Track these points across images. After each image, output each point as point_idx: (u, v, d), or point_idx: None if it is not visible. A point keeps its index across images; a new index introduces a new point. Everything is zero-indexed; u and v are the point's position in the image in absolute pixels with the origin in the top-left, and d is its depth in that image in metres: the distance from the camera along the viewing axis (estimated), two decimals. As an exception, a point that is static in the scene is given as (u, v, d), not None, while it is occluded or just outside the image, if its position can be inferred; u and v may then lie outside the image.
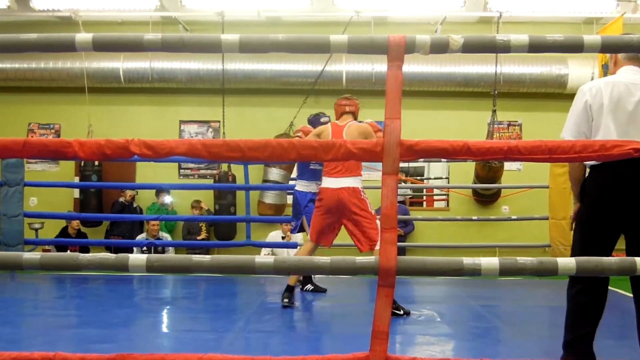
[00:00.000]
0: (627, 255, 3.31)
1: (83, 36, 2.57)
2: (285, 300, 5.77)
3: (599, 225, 3.42)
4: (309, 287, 6.70)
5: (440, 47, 2.56)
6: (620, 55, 3.58)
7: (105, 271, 7.14)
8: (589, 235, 3.45)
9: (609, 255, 3.37)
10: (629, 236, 3.45)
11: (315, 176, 6.45)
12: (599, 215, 3.42)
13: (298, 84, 10.50)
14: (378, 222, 5.28)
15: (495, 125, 10.14)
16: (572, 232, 3.60)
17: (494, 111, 9.88)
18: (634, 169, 3.30)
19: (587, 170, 3.56)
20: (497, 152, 2.60)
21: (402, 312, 5.33)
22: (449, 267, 2.55)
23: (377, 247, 5.22)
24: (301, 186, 6.55)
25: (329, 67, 10.23)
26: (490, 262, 2.52)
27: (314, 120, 6.77)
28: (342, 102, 5.84)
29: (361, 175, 5.57)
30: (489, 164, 9.72)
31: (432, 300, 6.30)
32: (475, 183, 10.29)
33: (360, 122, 5.74)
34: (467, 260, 2.53)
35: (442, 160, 9.90)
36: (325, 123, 6.35)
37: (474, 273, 2.53)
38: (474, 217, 9.81)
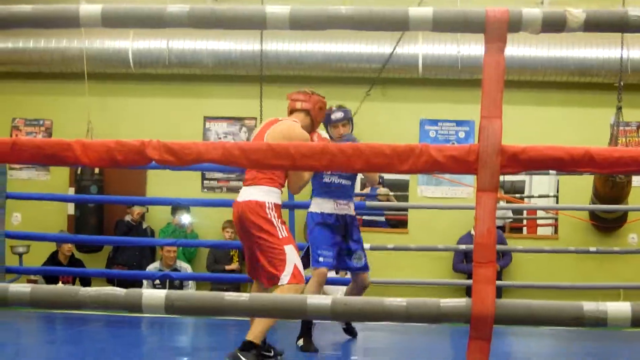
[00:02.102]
0: None
1: (89, 8, 2.61)
2: None
3: None
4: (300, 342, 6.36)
5: (554, 25, 2.54)
6: None
7: (109, 311, 7.22)
8: None
9: None
10: None
11: (330, 192, 6.37)
12: None
13: (359, 71, 10.52)
14: (289, 248, 5.18)
15: (621, 127, 9.98)
16: None
17: (619, 108, 9.72)
18: None
19: None
20: (630, 164, 2.56)
21: (272, 353, 5.42)
22: (564, 315, 2.52)
23: (283, 283, 5.11)
24: (313, 205, 6.47)
25: (400, 49, 10.23)
26: (619, 308, 2.48)
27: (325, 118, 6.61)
28: (293, 96, 5.82)
29: (277, 187, 5.39)
30: (612, 178, 9.57)
31: None
32: (593, 203, 10.14)
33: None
34: (589, 306, 2.50)
35: (550, 172, 9.79)
36: (337, 120, 6.39)
37: (598, 323, 2.49)
38: (592, 249, 9.66)
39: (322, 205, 6.36)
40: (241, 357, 4.96)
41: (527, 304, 2.54)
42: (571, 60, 10.22)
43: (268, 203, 5.26)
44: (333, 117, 6.43)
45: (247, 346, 5.04)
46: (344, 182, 6.34)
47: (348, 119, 6.50)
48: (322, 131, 6.14)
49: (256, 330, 5.08)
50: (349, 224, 6.35)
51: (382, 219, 11.50)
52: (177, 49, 10.55)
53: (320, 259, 6.18)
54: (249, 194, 5.31)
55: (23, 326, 7.36)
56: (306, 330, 6.11)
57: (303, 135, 5.47)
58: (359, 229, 6.53)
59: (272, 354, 5.60)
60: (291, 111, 5.78)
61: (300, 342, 6.06)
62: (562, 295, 9.19)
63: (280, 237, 5.21)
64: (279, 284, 5.13)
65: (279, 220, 5.27)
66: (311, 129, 5.76)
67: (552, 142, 2.77)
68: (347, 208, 6.35)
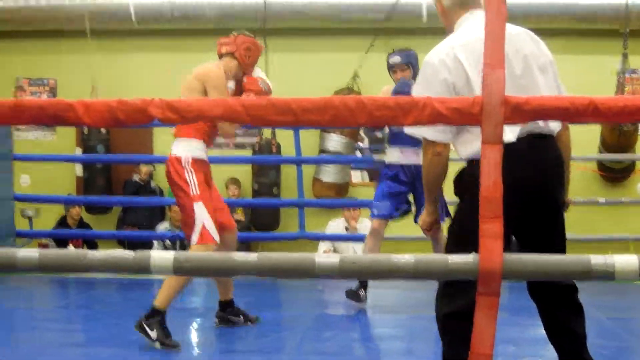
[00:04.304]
0: None
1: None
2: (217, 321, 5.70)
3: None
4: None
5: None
6: (448, 2, 3.46)
7: (119, 273, 7.27)
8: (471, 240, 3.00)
9: None
10: (521, 241, 3.36)
11: (395, 139, 6.31)
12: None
13: (364, 22, 10.46)
14: (198, 206, 5.06)
15: (627, 75, 9.92)
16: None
17: (625, 55, 9.65)
18: (525, 152, 3.11)
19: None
20: (635, 113, 2.54)
21: (241, 318, 5.60)
22: (571, 269, 2.53)
23: (193, 243, 5.05)
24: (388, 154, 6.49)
25: (404, -1, 10.16)
26: (627, 261, 2.47)
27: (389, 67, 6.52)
28: (220, 40, 5.67)
29: (200, 138, 5.24)
30: (619, 127, 9.54)
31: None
32: (600, 153, 10.11)
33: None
34: (597, 259, 2.49)
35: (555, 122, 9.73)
36: (393, 65, 6.33)
37: (606, 276, 2.49)
38: (601, 200, 9.65)
39: (389, 155, 6.39)
40: (145, 325, 4.90)
41: (534, 258, 2.54)
42: (576, 6, 10.13)
43: (185, 157, 5.14)
44: (390, 61, 6.36)
45: (151, 313, 4.97)
46: None
47: (407, 63, 6.32)
48: (261, 73, 5.83)
49: (162, 296, 4.98)
50: (418, 174, 5.83)
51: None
52: (180, 3, 10.50)
53: (375, 211, 6.25)
54: (172, 148, 5.24)
55: (33, 290, 7.41)
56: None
57: (218, 79, 5.30)
58: None
59: (240, 318, 5.63)
60: (220, 57, 5.60)
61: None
62: (571, 247, 9.20)
63: (192, 194, 5.08)
64: (190, 243, 5.08)
65: (195, 175, 5.12)
66: (241, 71, 5.57)
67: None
68: (414, 157, 6.11)
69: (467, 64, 3.14)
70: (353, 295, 6.26)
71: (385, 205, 6.20)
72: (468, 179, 3.23)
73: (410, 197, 6.42)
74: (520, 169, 2.99)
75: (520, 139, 3.02)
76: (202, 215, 5.04)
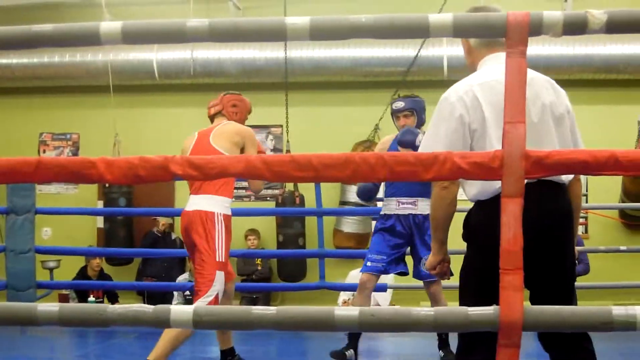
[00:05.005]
0: None
1: (109, 26, 2.62)
2: None
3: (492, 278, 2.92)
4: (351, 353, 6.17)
5: (576, 27, 2.52)
6: (475, 41, 3.40)
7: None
8: (480, 290, 3.03)
9: None
10: (534, 292, 3.20)
11: (393, 191, 6.03)
12: (490, 260, 2.90)
13: (385, 75, 10.52)
14: (219, 275, 5.02)
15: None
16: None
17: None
18: (535, 200, 2.97)
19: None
20: (657, 165, 2.54)
21: None
22: (593, 320, 2.50)
23: (200, 302, 4.92)
24: (382, 207, 6.21)
25: (425, 52, 10.22)
26: (650, 312, 2.46)
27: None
28: (209, 104, 5.69)
29: (227, 195, 5.24)
30: (641, 175, 9.51)
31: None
32: (623, 202, 10.06)
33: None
34: (618, 311, 2.48)
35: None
36: (397, 111, 6.04)
37: (628, 327, 2.47)
38: (623, 247, 9.58)
39: (385, 207, 6.06)
40: None
41: (555, 310, 2.53)
42: (597, 57, 10.14)
43: (217, 214, 5.12)
44: (393, 106, 6.08)
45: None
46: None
47: (410, 109, 6.02)
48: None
49: (159, 350, 4.88)
50: (416, 225, 5.94)
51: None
52: (202, 59, 10.60)
53: (368, 264, 5.90)
54: (197, 203, 5.17)
55: (53, 341, 7.41)
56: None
57: (254, 138, 5.42)
58: None
59: None
60: (211, 120, 5.63)
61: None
62: (593, 295, 9.12)
63: (218, 259, 5.05)
64: (195, 299, 5.01)
65: (224, 235, 5.13)
66: None
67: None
68: (411, 207, 5.91)
69: (485, 105, 3.10)
70: (338, 355, 6.01)
71: (379, 260, 5.87)
72: (473, 224, 3.21)
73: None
74: (530, 215, 2.95)
75: (531, 185, 2.97)
76: (219, 287, 5.01)
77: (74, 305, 2.76)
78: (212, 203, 5.14)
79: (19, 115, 11.63)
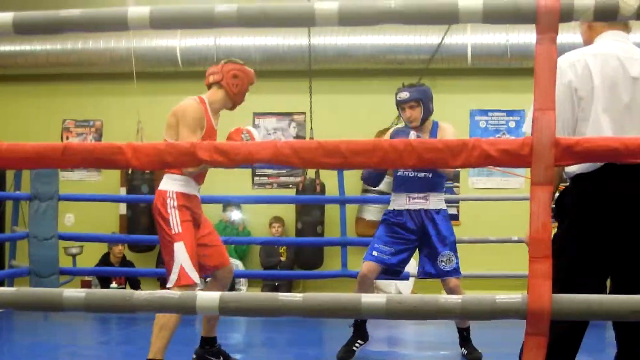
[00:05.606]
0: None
1: (137, 10, 2.62)
2: None
3: (584, 257, 3.12)
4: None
5: (607, 14, 2.50)
6: None
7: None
8: (571, 270, 3.11)
9: None
10: (617, 275, 3.19)
11: (404, 186, 5.79)
12: (584, 243, 3.12)
13: (408, 62, 10.47)
14: (178, 246, 4.81)
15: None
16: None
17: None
18: (631, 180, 3.02)
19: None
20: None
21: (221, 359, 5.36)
22: (624, 309, 2.48)
23: (170, 286, 4.77)
24: (391, 202, 5.98)
25: (448, 40, 10.16)
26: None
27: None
28: (208, 70, 5.39)
29: (182, 174, 4.96)
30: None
31: (595, 349, 6.10)
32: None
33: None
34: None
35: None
36: (401, 102, 5.67)
37: (659, 316, 2.46)
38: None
39: (394, 202, 5.82)
40: None
41: (584, 298, 2.51)
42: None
43: (169, 192, 4.92)
44: (397, 97, 5.71)
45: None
46: (419, 174, 5.66)
47: (416, 100, 5.59)
48: (254, 131, 5.58)
49: (154, 347, 4.77)
50: (428, 219, 5.73)
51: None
52: (225, 46, 10.57)
53: (375, 253, 5.71)
54: (160, 183, 5.05)
55: (76, 326, 7.45)
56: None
57: (190, 116, 5.10)
58: (450, 225, 5.84)
59: (220, 359, 5.44)
60: (208, 88, 5.38)
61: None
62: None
63: (173, 232, 4.85)
64: (167, 286, 4.84)
65: (178, 211, 4.89)
66: (230, 102, 5.39)
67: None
68: (422, 202, 5.69)
69: (596, 74, 3.14)
70: (346, 353, 5.90)
71: (385, 250, 5.70)
72: (571, 201, 3.21)
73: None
74: (624, 194, 3.01)
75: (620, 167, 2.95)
76: (180, 256, 4.78)
77: (99, 291, 2.77)
78: (166, 181, 4.99)
79: (42, 102, 11.64)
